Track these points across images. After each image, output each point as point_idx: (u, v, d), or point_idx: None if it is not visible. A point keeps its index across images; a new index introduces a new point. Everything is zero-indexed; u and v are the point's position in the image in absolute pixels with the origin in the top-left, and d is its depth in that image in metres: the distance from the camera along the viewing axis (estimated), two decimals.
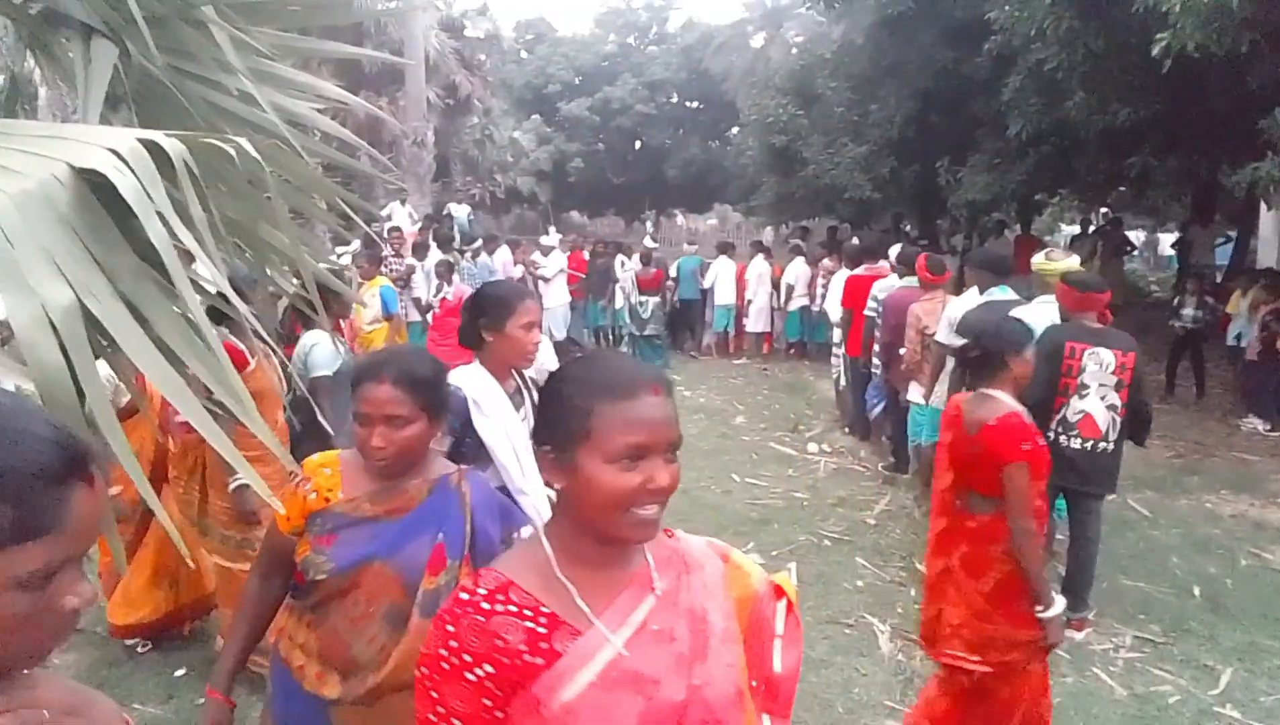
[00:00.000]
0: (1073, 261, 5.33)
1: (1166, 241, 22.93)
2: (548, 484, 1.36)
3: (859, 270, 8.38)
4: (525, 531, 2.22)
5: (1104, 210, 17.33)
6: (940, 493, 3.35)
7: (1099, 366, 4.44)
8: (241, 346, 3.72)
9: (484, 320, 2.91)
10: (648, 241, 15.26)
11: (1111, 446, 4.51)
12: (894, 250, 8.14)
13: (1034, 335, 3.41)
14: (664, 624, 1.32)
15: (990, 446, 3.05)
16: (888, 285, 7.58)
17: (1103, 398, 4.46)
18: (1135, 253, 17.03)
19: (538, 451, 1.35)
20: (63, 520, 0.90)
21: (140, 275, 1.53)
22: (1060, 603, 3.07)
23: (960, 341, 5.80)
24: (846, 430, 8.79)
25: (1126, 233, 15.92)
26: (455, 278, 9.96)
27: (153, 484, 4.13)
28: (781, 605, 1.49)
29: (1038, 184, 12.93)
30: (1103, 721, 3.87)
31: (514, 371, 3.06)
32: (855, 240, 11.86)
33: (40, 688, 0.92)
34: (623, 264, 13.77)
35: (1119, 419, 4.50)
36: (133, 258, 1.52)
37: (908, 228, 16.82)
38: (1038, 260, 5.36)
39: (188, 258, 1.90)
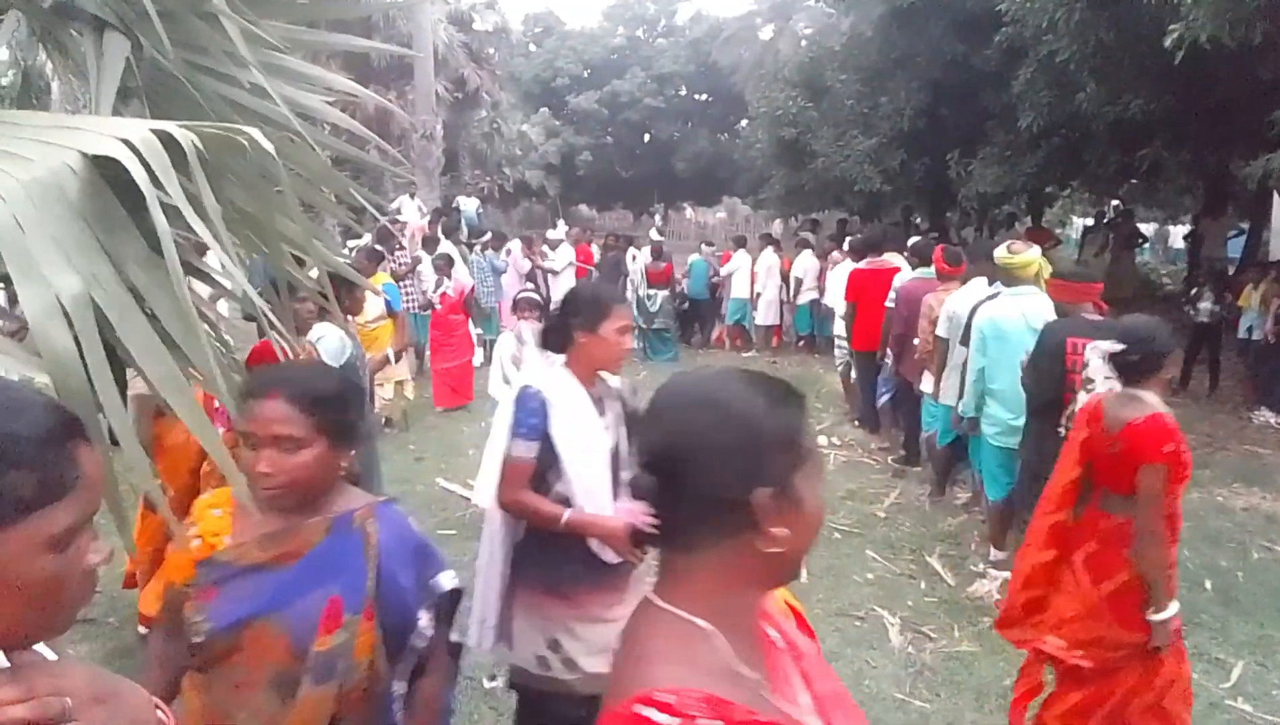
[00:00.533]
0: (1033, 253, 5.31)
1: (1177, 234, 22.82)
2: (770, 534, 1.09)
3: (863, 263, 8.35)
4: (446, 578, 1.95)
5: (1115, 202, 17.25)
6: (1062, 486, 3.33)
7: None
8: (284, 346, 3.72)
9: (577, 320, 2.78)
10: (654, 235, 15.23)
11: None
12: (910, 241, 8.13)
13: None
14: (812, 674, 1.20)
15: (1132, 445, 3.04)
16: (911, 279, 7.57)
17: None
18: (1146, 245, 16.95)
19: (758, 496, 1.07)
20: (78, 479, 0.94)
21: (150, 265, 1.54)
22: (1173, 607, 3.04)
23: (943, 335, 5.90)
24: (856, 423, 8.78)
25: (1137, 225, 15.86)
26: (454, 272, 9.97)
27: (194, 479, 4.13)
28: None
29: (1048, 176, 12.86)
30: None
31: (599, 377, 2.91)
32: (859, 234, 11.84)
33: (63, 675, 0.91)
34: (634, 257, 13.76)
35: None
36: (143, 247, 1.53)
37: (918, 220, 16.77)
38: (999, 253, 5.34)
39: (202, 249, 1.92)
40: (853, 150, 14.35)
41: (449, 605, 1.98)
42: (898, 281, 7.46)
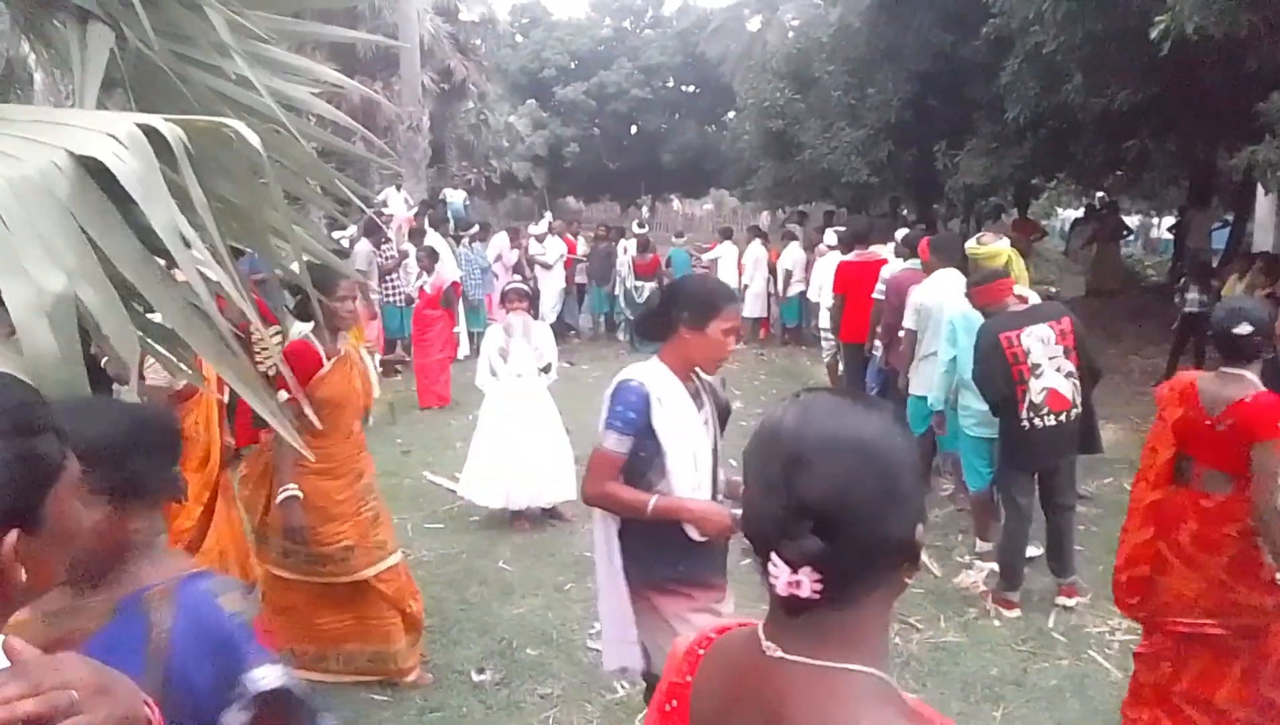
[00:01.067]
0: (1002, 244, 5.36)
1: (1162, 227, 22.95)
2: (919, 563, 1.09)
3: (850, 255, 8.37)
4: (265, 675, 1.46)
5: (1100, 194, 17.33)
6: (1156, 467, 3.35)
7: (1041, 343, 4.49)
8: (318, 347, 3.67)
9: (686, 315, 2.67)
10: (635, 227, 15.25)
11: (1080, 409, 4.59)
12: (899, 233, 8.16)
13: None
14: None
15: (1244, 423, 3.04)
16: (894, 269, 7.60)
17: (1058, 369, 4.51)
18: (1131, 237, 17.04)
19: (919, 529, 1.07)
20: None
21: (142, 261, 1.53)
22: None
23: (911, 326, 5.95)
24: None
25: (1122, 217, 15.94)
26: (439, 266, 9.90)
27: (203, 473, 4.09)
28: None
29: (1035, 168, 12.90)
30: (1099, 703, 3.89)
31: (695, 373, 2.82)
32: (845, 226, 11.88)
33: (66, 668, 0.91)
34: (624, 250, 13.76)
35: (1078, 382, 4.58)
36: (135, 243, 1.52)
37: (905, 212, 16.81)
38: (969, 244, 5.42)
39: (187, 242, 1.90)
40: (840, 142, 14.36)
41: (279, 706, 1.49)
42: (886, 273, 7.49)
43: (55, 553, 0.98)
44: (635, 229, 14.98)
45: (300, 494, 3.61)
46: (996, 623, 4.58)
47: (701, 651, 1.19)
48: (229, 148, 1.82)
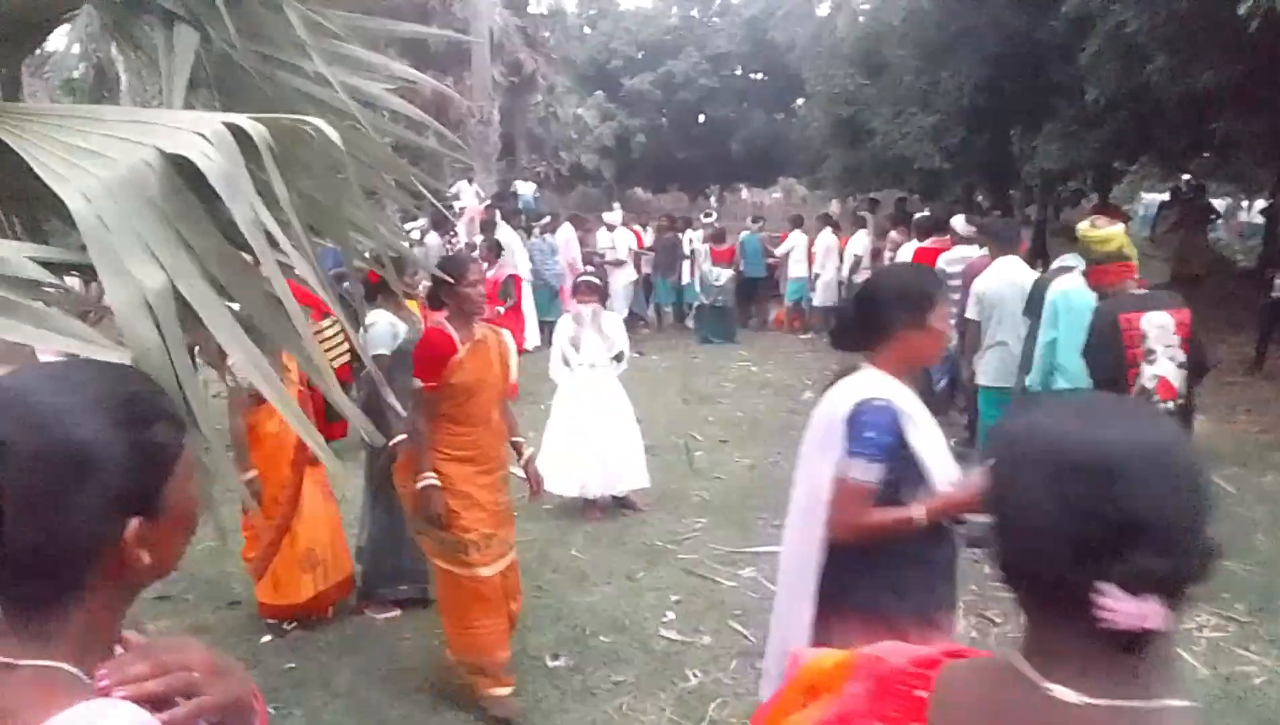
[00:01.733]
0: (1116, 228, 5.18)
1: (1253, 210, 21.99)
2: None
3: (927, 242, 8.25)
4: None
5: (1185, 177, 16.71)
6: None
7: (1159, 330, 4.43)
8: (453, 334, 3.66)
9: (904, 314, 2.43)
10: (703, 217, 15.19)
11: (1184, 402, 4.52)
12: (957, 220, 8.02)
13: None
14: None
15: None
16: (951, 258, 7.49)
17: (1171, 358, 4.45)
18: (1219, 221, 16.39)
19: None
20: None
21: (226, 257, 1.58)
22: None
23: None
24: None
25: (1210, 201, 15.34)
26: (503, 258, 9.94)
27: (295, 468, 4.18)
28: None
29: (1116, 151, 12.51)
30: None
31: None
32: (925, 212, 11.66)
33: (185, 651, 0.97)
34: (690, 240, 13.74)
35: (1187, 375, 4.53)
36: (219, 239, 1.56)
37: (979, 199, 16.43)
38: (1081, 227, 5.27)
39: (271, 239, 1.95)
40: (912, 128, 14.12)
41: None
42: (944, 262, 7.47)
43: (174, 537, 1.01)
44: (703, 219, 14.93)
45: (438, 483, 3.60)
46: None
47: (927, 672, 1.05)
48: (309, 145, 1.87)
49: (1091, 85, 10.22)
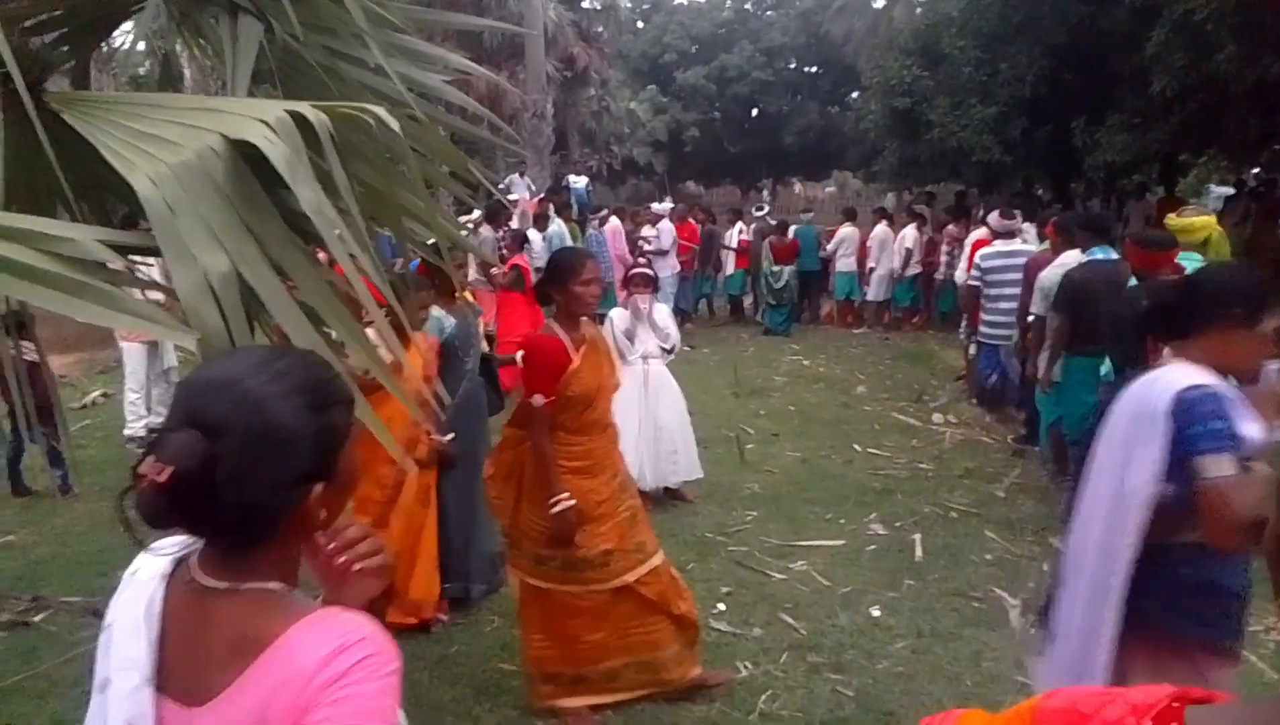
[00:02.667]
0: (1204, 219, 5.05)
1: None
2: None
3: (981, 233, 8.20)
4: None
5: (1255, 171, 16.18)
6: None
7: None
8: (564, 339, 3.41)
9: (1240, 309, 2.23)
10: (754, 211, 15.05)
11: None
12: (991, 216, 7.93)
13: None
14: None
15: None
16: (990, 252, 7.40)
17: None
18: None
19: None
20: None
21: (288, 242, 1.60)
22: None
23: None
24: (974, 401, 8.54)
25: None
26: (529, 249, 9.88)
27: (392, 470, 4.01)
28: None
29: (1183, 143, 12.16)
30: None
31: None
32: (987, 206, 11.47)
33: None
34: (740, 231, 13.65)
35: None
36: (281, 225, 1.59)
37: (1039, 191, 16.09)
38: (1170, 218, 5.17)
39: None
40: (970, 119, 13.85)
41: None
42: (981, 258, 7.47)
43: (341, 497, 1.19)
44: (755, 212, 14.81)
45: (575, 502, 3.33)
46: None
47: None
48: (368, 134, 1.89)
49: (1158, 75, 9.94)
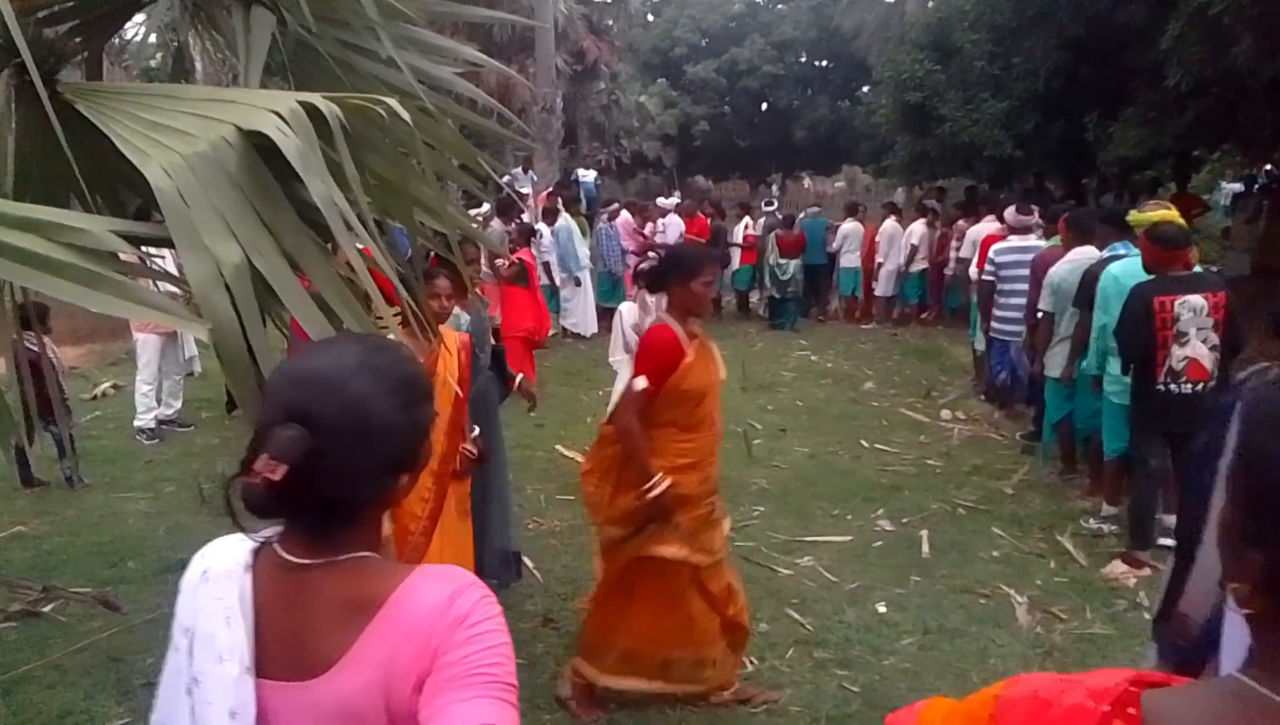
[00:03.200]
0: (1164, 212, 5.07)
1: None
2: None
3: (992, 228, 8.20)
4: None
5: (1268, 167, 16.07)
6: None
7: (1193, 312, 4.55)
8: (679, 333, 3.36)
9: None
10: (763, 205, 14.99)
11: (1216, 384, 4.61)
12: (1008, 211, 7.91)
13: None
14: None
15: None
16: (1005, 248, 7.37)
17: (1204, 340, 4.57)
18: None
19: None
20: None
21: (300, 233, 1.60)
22: None
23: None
24: (983, 397, 8.51)
25: None
26: (539, 242, 9.85)
27: (438, 480, 3.89)
28: None
29: (1198, 138, 12.07)
30: None
31: None
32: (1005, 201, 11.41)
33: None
34: (748, 226, 13.61)
35: (1220, 356, 4.62)
36: (294, 216, 1.59)
37: (1051, 187, 16.01)
38: (1132, 212, 5.27)
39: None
40: (983, 114, 13.79)
41: None
42: (995, 253, 7.50)
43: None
44: (764, 207, 14.75)
45: (671, 484, 3.27)
46: (1148, 615, 4.33)
47: (1125, 709, 0.87)
48: (380, 126, 1.89)
49: (1173, 70, 9.86)
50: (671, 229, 12.84)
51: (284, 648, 1.13)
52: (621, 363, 6.11)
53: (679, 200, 14.66)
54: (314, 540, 1.16)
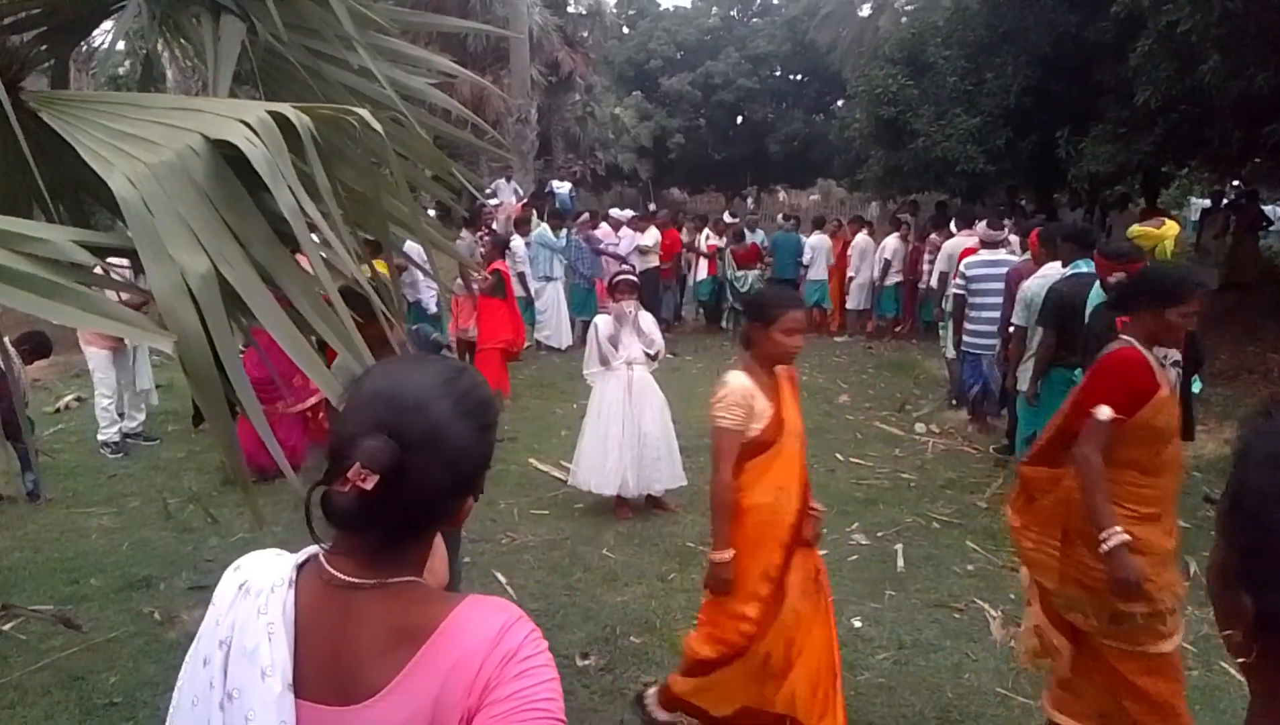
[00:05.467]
0: (1171, 229, 5.17)
1: None
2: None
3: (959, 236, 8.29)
4: None
5: (1235, 183, 16.33)
6: None
7: None
8: (1151, 362, 3.03)
9: None
10: (727, 216, 15.02)
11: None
12: (980, 225, 7.97)
13: None
14: None
15: None
16: (976, 261, 7.44)
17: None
18: (1271, 228, 15.98)
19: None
20: None
21: (271, 243, 1.57)
22: None
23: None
24: (954, 403, 8.57)
25: (1262, 207, 14.99)
26: (512, 253, 9.82)
27: None
28: None
29: (1166, 155, 12.24)
30: (1231, 717, 3.67)
31: None
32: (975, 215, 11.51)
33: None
34: (707, 237, 13.61)
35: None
36: (264, 226, 1.56)
37: (1023, 202, 16.19)
38: (1133, 229, 5.30)
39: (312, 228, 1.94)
40: (955, 129, 13.92)
41: None
42: (966, 266, 7.56)
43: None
44: (728, 218, 14.79)
45: (1128, 538, 2.80)
46: None
47: None
48: (351, 136, 1.86)
49: (1142, 86, 10.01)
50: (625, 241, 12.68)
51: (324, 669, 1.11)
52: (596, 376, 6.09)
53: (632, 212, 14.29)
54: (371, 558, 1.14)
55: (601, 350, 5.98)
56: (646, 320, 6.15)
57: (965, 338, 7.52)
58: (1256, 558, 0.81)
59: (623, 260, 12.07)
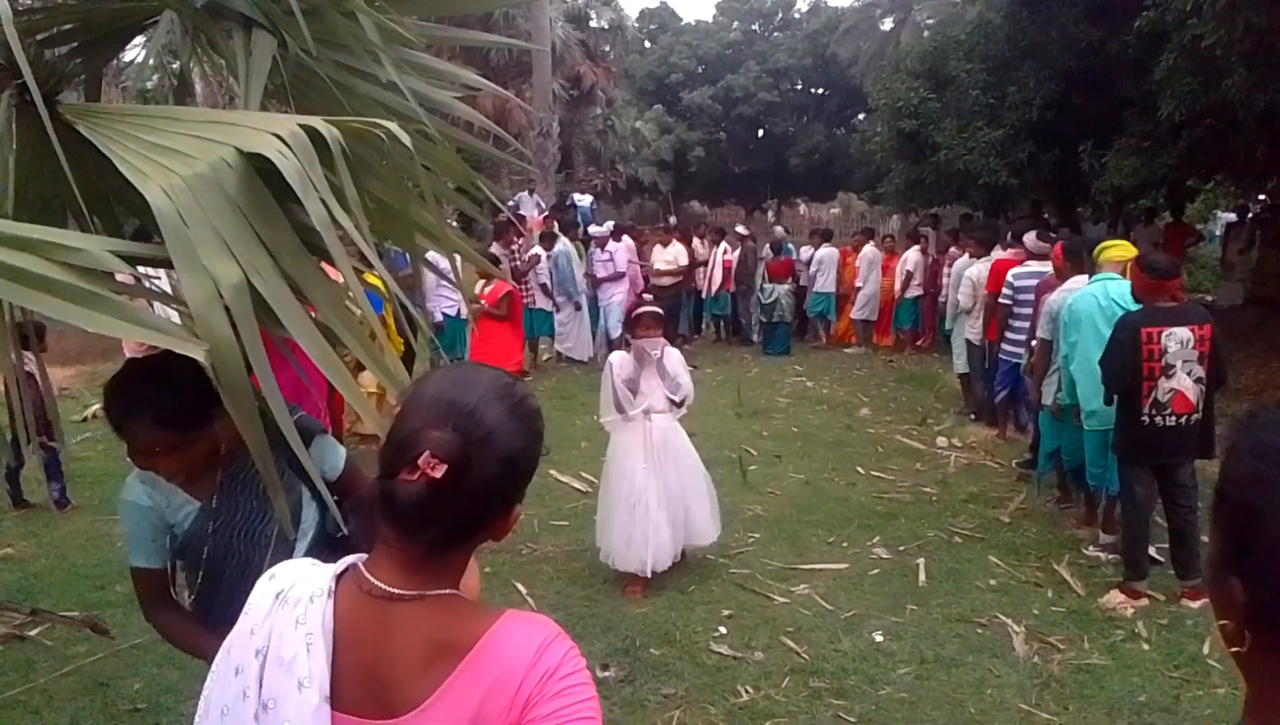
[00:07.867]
0: (1122, 250, 5.29)
1: None
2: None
3: (1007, 253, 8.23)
4: None
5: (1261, 197, 16.16)
6: None
7: (1180, 345, 4.59)
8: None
9: None
10: (739, 229, 15.01)
11: (1201, 415, 4.67)
12: (1028, 236, 7.90)
13: None
14: None
15: None
16: (1021, 273, 7.38)
17: (1189, 373, 4.61)
18: None
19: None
20: None
21: (300, 255, 1.59)
22: None
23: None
24: (973, 417, 8.53)
25: None
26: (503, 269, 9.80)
27: None
28: None
29: (1191, 169, 12.14)
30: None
31: None
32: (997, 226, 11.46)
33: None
34: (725, 250, 13.60)
35: (1205, 389, 4.67)
36: (294, 237, 1.58)
37: (1046, 215, 16.10)
38: (1101, 246, 5.52)
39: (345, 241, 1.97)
40: (977, 142, 13.86)
41: None
42: (1015, 277, 7.47)
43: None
44: (739, 230, 14.80)
45: None
46: (1145, 646, 4.32)
47: None
48: (379, 148, 1.89)
49: (1166, 100, 9.94)
50: (619, 257, 12.32)
51: (361, 681, 1.11)
52: (613, 425, 5.25)
53: (614, 226, 13.91)
54: (414, 568, 1.13)
55: (617, 395, 5.09)
56: (673, 359, 5.21)
57: (1004, 347, 7.48)
58: (1244, 544, 0.84)
59: (621, 276, 12.02)
